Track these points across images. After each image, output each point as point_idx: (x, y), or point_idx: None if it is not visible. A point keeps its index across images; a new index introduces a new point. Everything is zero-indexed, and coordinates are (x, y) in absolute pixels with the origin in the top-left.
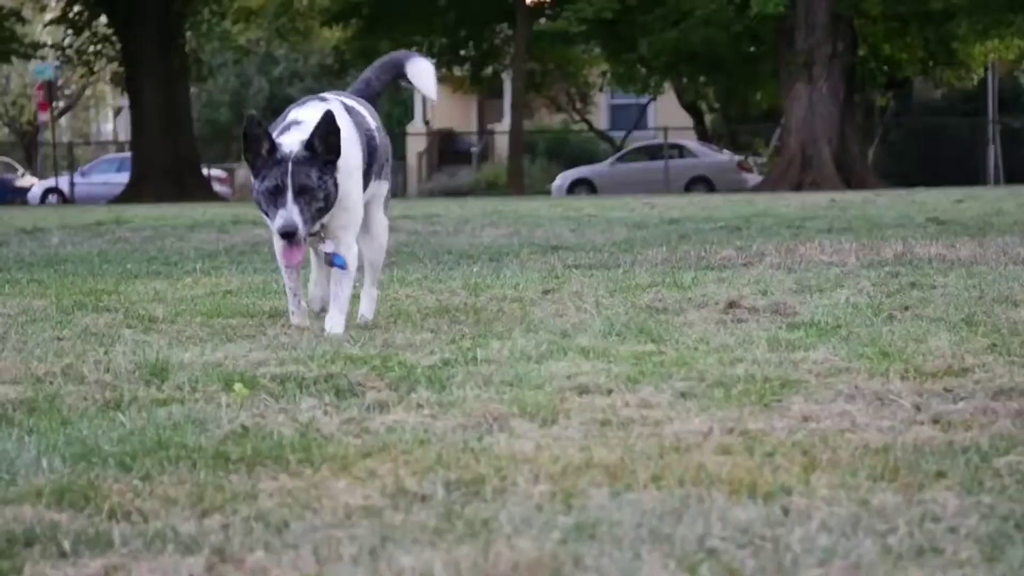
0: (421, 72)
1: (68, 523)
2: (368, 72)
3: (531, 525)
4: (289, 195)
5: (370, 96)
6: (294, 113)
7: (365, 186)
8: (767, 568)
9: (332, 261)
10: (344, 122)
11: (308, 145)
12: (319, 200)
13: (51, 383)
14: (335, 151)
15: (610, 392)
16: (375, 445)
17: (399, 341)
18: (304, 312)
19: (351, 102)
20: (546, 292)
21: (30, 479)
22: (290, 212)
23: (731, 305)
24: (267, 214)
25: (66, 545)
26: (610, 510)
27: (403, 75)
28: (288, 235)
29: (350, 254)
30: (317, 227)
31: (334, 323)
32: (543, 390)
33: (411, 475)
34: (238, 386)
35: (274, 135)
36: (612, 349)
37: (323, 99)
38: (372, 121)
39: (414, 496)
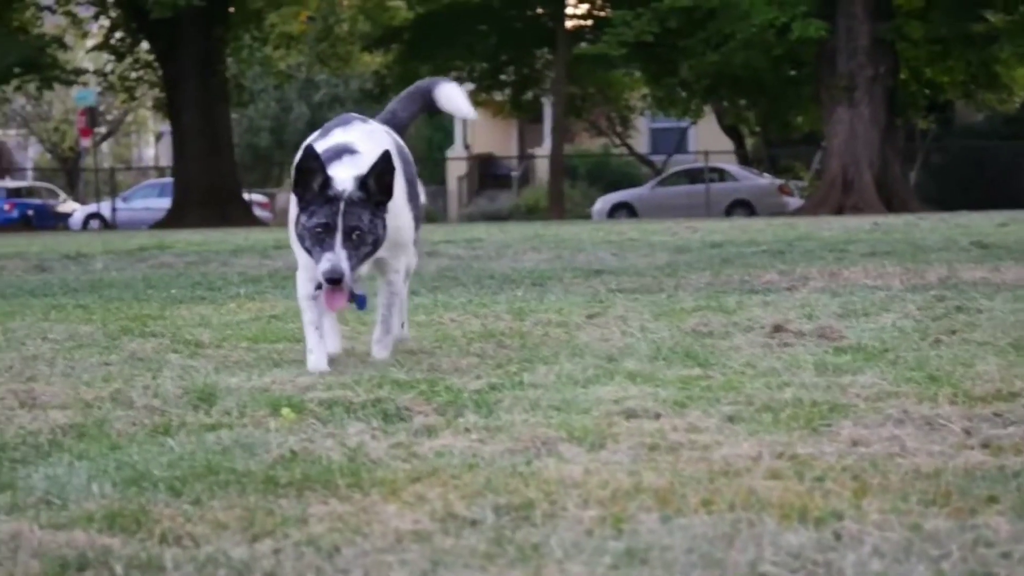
0: (451, 97)
1: (120, 548)
2: (394, 103)
3: (582, 550)
4: (338, 237)
5: (396, 127)
6: (340, 135)
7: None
8: None
9: (353, 298)
10: (392, 149)
11: (363, 184)
12: (368, 244)
13: (100, 408)
14: (388, 192)
15: (658, 416)
16: (424, 470)
17: (445, 365)
18: (324, 352)
19: (386, 129)
20: (591, 316)
21: (81, 504)
22: (338, 256)
23: (777, 329)
24: (310, 252)
25: (118, 570)
26: (661, 535)
27: (432, 103)
28: (333, 281)
29: (399, 275)
30: (366, 267)
31: (381, 347)
32: (591, 414)
33: (460, 499)
34: (286, 411)
35: (319, 150)
36: (659, 373)
37: (365, 121)
38: (408, 155)
39: (464, 520)
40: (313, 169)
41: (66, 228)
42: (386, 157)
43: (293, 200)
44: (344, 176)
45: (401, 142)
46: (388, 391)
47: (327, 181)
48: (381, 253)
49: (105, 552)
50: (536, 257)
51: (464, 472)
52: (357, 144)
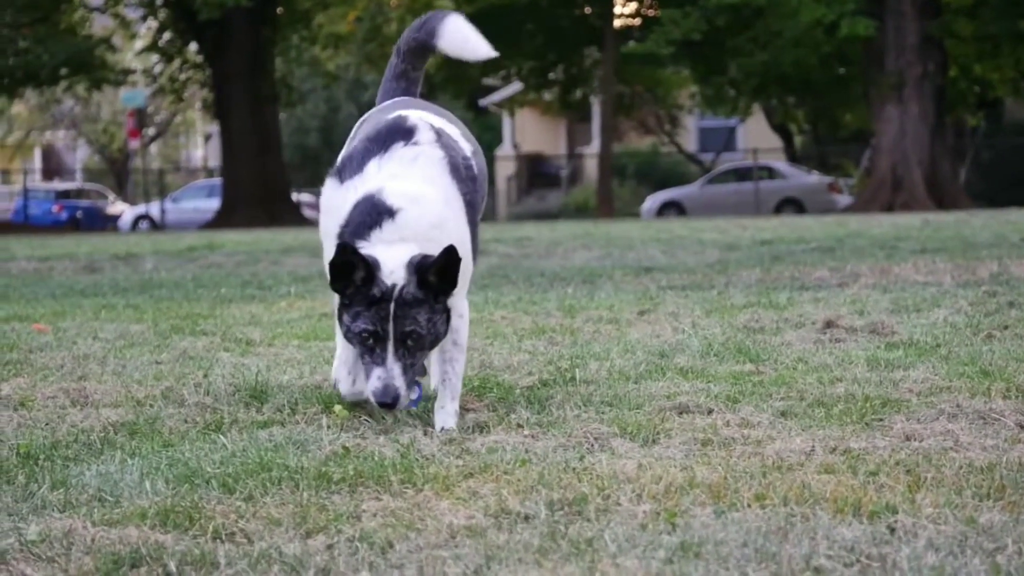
0: (459, 37)
1: (173, 544)
2: (401, 63)
3: (635, 544)
4: (390, 348)
5: (419, 93)
6: (375, 171)
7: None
8: None
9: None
10: (439, 173)
11: (421, 282)
12: (426, 347)
13: (151, 406)
14: (453, 283)
15: (710, 412)
16: (476, 465)
17: (497, 362)
18: (347, 369)
19: (438, 121)
20: (641, 313)
21: (134, 501)
22: (390, 373)
23: (828, 325)
24: (360, 354)
25: (172, 566)
26: (714, 529)
27: (434, 49)
28: (387, 405)
29: (463, 319)
30: None
31: (446, 414)
32: (643, 410)
33: (514, 495)
34: (337, 407)
35: (347, 200)
36: (710, 369)
37: (408, 136)
38: (466, 144)
39: (517, 516)
40: (351, 264)
41: (115, 229)
42: (451, 252)
43: (329, 192)
44: (392, 264)
45: (463, 127)
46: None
47: (370, 275)
48: None
49: (158, 548)
50: (586, 255)
51: (517, 468)
52: (398, 196)
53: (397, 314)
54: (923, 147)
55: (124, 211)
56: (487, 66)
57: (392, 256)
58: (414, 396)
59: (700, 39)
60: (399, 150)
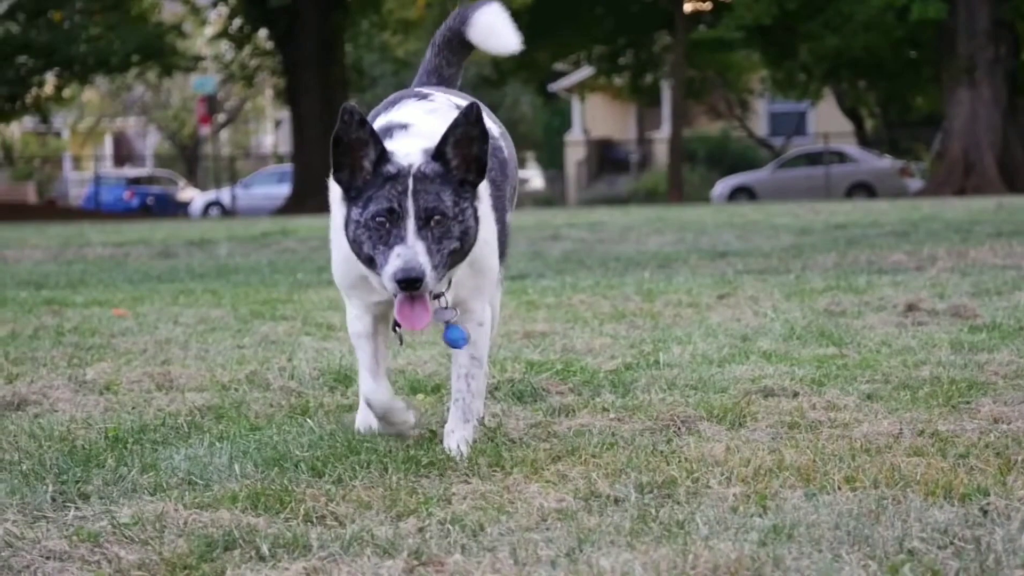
0: (486, 24)
1: (265, 527)
2: (435, 57)
3: (727, 527)
4: (411, 224)
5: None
6: (393, 115)
7: (506, 214)
8: (970, 569)
9: (449, 336)
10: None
11: (438, 154)
12: (453, 236)
13: (236, 390)
14: (480, 168)
15: (796, 395)
16: (564, 449)
17: (578, 346)
18: (390, 394)
19: (461, 100)
20: (721, 297)
21: (224, 484)
22: (412, 248)
23: (910, 308)
24: (371, 260)
25: (264, 549)
26: (806, 511)
27: (465, 38)
28: (412, 282)
29: (483, 328)
30: (445, 283)
31: (459, 438)
32: (728, 393)
33: (603, 478)
34: (420, 396)
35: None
36: (794, 352)
37: (424, 96)
38: (494, 127)
39: (607, 499)
40: (359, 140)
41: (186, 215)
42: (470, 114)
43: (335, 200)
44: (406, 150)
45: (491, 112)
46: (523, 372)
47: (384, 155)
48: (456, 291)
49: (251, 531)
50: (659, 240)
51: (604, 451)
52: (410, 116)
53: (417, 188)
54: (995, 130)
55: (194, 197)
56: (557, 51)
57: (405, 145)
58: (453, 328)
59: (771, 23)
60: (412, 103)
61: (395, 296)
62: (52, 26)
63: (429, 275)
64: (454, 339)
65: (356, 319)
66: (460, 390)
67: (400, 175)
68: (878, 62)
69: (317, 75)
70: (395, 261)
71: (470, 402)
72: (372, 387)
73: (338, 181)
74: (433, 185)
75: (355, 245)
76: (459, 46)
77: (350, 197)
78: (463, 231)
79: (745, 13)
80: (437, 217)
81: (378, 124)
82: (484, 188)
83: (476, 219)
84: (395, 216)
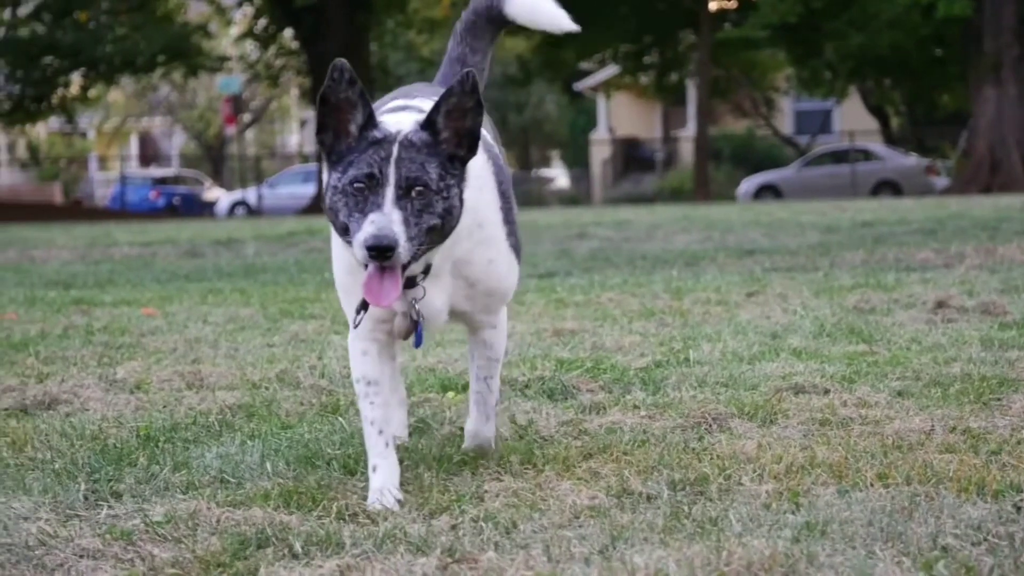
0: (532, 4)
1: (298, 525)
2: (458, 44)
3: (760, 523)
4: (389, 192)
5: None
6: (405, 100)
7: None
8: (1004, 565)
9: (415, 330)
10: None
11: (428, 123)
12: (435, 212)
13: (267, 388)
14: (472, 143)
15: (827, 392)
16: (595, 446)
17: (608, 344)
18: (394, 462)
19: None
20: (750, 295)
21: (256, 482)
22: (388, 216)
23: (939, 305)
24: (345, 228)
25: (298, 546)
26: (839, 508)
27: (503, 17)
28: (380, 250)
29: (497, 331)
30: (420, 265)
31: (479, 439)
32: (759, 390)
33: (635, 475)
34: (451, 394)
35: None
36: (824, 349)
37: (408, 105)
38: (488, 132)
39: (639, 496)
40: (347, 101)
41: (212, 215)
42: (466, 82)
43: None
44: (396, 119)
45: (489, 119)
46: (553, 370)
47: (371, 120)
48: (465, 305)
49: (284, 529)
50: (686, 238)
51: (636, 448)
52: (407, 99)
53: (401, 156)
54: (1021, 128)
55: (220, 197)
56: (582, 50)
57: (398, 116)
58: (418, 320)
59: (796, 22)
60: (424, 87)
61: (364, 267)
62: (78, 26)
63: (403, 245)
64: (418, 341)
65: (357, 339)
66: (481, 391)
67: (385, 140)
68: (904, 60)
69: None
70: (368, 227)
71: (491, 400)
72: (379, 451)
73: (320, 143)
74: (419, 154)
75: (331, 213)
76: (486, 27)
77: (331, 162)
78: (446, 208)
79: (771, 12)
80: (419, 188)
81: (389, 105)
82: (493, 196)
83: (461, 200)
84: (375, 182)
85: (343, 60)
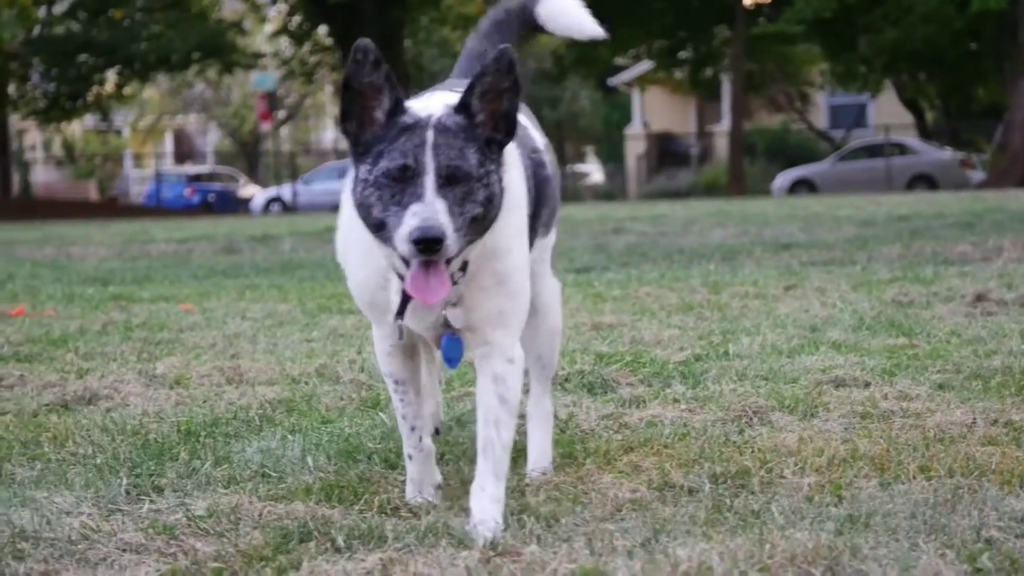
0: (562, 11)
1: (340, 519)
2: (480, 43)
3: (803, 516)
4: (429, 182)
5: None
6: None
7: (531, 241)
8: None
9: (446, 347)
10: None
11: (463, 106)
12: (477, 201)
13: (307, 383)
14: (510, 127)
15: (867, 385)
16: (636, 440)
17: (647, 338)
18: (429, 455)
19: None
20: (788, 288)
21: (297, 476)
22: (431, 206)
23: (979, 298)
24: (380, 224)
25: (340, 540)
26: (882, 501)
27: (534, 22)
28: (428, 242)
29: (513, 366)
30: (457, 264)
31: (486, 502)
32: (799, 383)
33: (676, 468)
34: None
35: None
36: (864, 343)
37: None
38: (538, 136)
39: (681, 489)
40: (372, 85)
41: (247, 212)
42: (502, 59)
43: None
44: (426, 103)
45: (534, 119)
46: (592, 363)
47: (399, 105)
48: (473, 315)
49: (326, 523)
50: (722, 232)
51: (677, 441)
52: (434, 100)
53: (438, 142)
54: None
55: (255, 194)
56: (617, 45)
57: (425, 101)
58: (451, 337)
59: (831, 16)
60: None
61: (406, 265)
62: (113, 24)
63: (451, 237)
64: (449, 353)
65: (382, 339)
66: (490, 439)
67: (418, 126)
68: (938, 54)
69: None
70: (411, 220)
71: (501, 454)
72: (412, 445)
73: (344, 132)
74: (456, 140)
75: (362, 209)
76: (516, 28)
77: (357, 153)
78: (487, 197)
79: (805, 7)
80: (460, 176)
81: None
82: (516, 199)
83: (501, 187)
84: (411, 173)
85: (367, 40)
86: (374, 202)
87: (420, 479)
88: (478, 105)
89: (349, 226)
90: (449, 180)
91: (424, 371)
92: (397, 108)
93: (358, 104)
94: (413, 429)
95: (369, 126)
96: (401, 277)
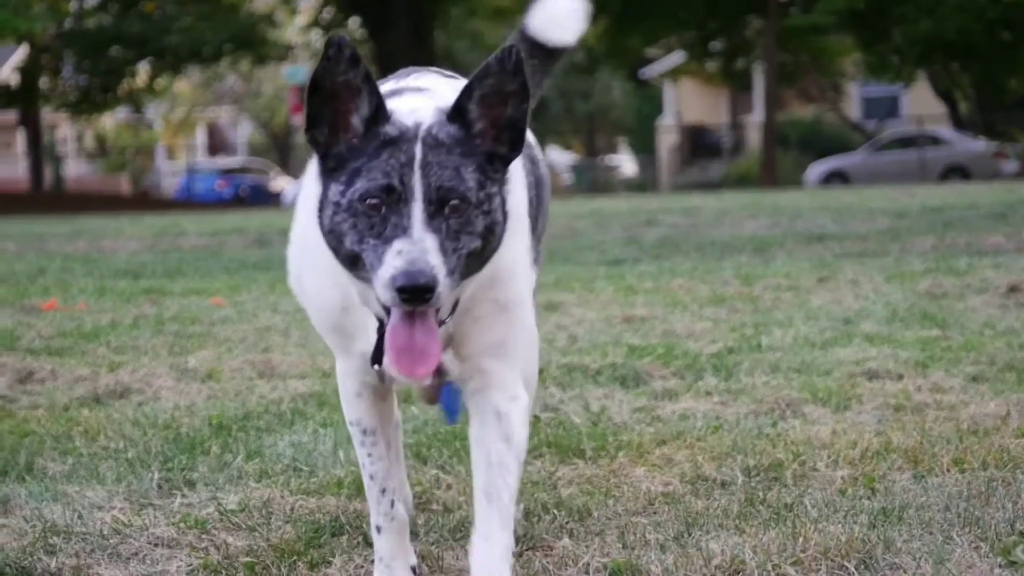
0: (551, 8)
1: None
2: None
3: (836, 509)
4: (417, 211)
5: None
6: (408, 81)
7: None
8: None
9: (445, 397)
10: None
11: (457, 113)
12: (475, 232)
13: None
14: (516, 139)
15: (900, 377)
16: (669, 433)
17: (679, 330)
18: (403, 526)
19: None
20: (821, 280)
21: (329, 470)
22: (420, 244)
23: (1012, 290)
24: (354, 259)
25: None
26: (915, 494)
27: (532, 39)
28: (418, 292)
29: (518, 403)
30: (450, 302)
31: (490, 564)
32: (832, 376)
33: (708, 461)
34: None
35: None
36: (897, 335)
37: (449, 75)
38: (530, 137)
39: (714, 482)
40: (347, 86)
41: (279, 205)
42: (507, 59)
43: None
44: (413, 106)
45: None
46: (624, 356)
47: (380, 111)
48: (465, 347)
49: (358, 517)
50: (754, 224)
51: (709, 434)
52: (436, 88)
53: (428, 159)
54: None
55: (287, 186)
56: (648, 37)
57: (411, 103)
58: (448, 390)
59: (864, 7)
60: (431, 73)
61: (385, 315)
62: (144, 17)
63: (442, 283)
64: (450, 405)
65: (349, 376)
66: (495, 484)
67: (403, 139)
68: (971, 44)
69: (408, 63)
70: (394, 260)
71: (506, 499)
72: (380, 514)
73: (311, 142)
74: (451, 156)
75: (332, 237)
76: (530, 50)
77: (328, 168)
78: (488, 226)
79: None
80: (455, 202)
81: (384, 88)
82: (519, 209)
83: (504, 212)
84: (395, 197)
85: (342, 35)
86: (347, 231)
87: (390, 557)
88: (477, 112)
89: (305, 247)
90: (441, 207)
91: (395, 423)
92: (378, 115)
93: (330, 108)
94: (384, 492)
95: (343, 135)
96: (381, 322)
